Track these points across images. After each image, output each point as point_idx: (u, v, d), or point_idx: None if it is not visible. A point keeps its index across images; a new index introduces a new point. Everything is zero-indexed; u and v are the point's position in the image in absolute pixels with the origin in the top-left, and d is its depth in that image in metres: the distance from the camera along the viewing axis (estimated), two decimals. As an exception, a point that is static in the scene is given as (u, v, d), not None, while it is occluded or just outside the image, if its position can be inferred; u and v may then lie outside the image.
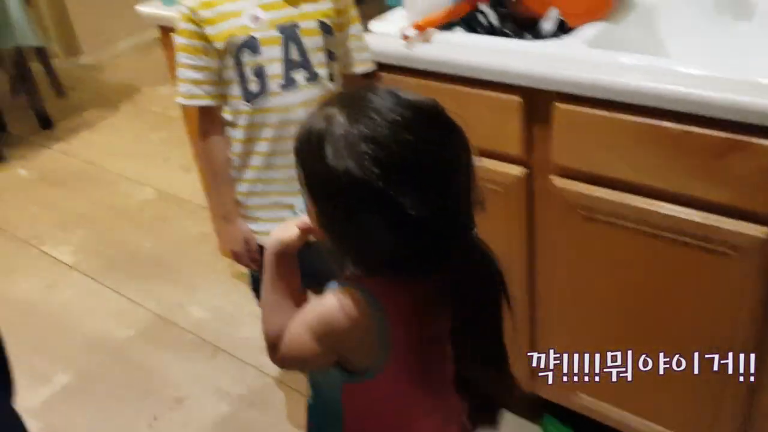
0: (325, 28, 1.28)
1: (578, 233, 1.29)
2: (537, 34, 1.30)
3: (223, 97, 1.31)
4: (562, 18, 1.29)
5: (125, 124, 3.45)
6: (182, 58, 1.29)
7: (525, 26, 1.33)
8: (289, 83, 1.27)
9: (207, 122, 1.35)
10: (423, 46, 1.34)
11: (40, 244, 2.55)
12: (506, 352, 0.91)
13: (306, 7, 1.27)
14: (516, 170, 1.33)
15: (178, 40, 1.29)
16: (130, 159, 3.07)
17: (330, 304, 0.84)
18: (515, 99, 1.25)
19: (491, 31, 1.34)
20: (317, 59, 1.28)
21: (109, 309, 2.19)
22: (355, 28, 1.36)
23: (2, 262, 2.48)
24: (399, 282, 0.83)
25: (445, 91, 1.32)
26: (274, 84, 1.27)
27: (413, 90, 0.82)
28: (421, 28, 1.33)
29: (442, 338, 0.87)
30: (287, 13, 1.26)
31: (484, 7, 1.32)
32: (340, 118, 0.77)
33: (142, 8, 1.78)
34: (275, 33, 1.25)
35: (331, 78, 1.32)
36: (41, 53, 3.51)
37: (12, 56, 3.25)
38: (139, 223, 2.63)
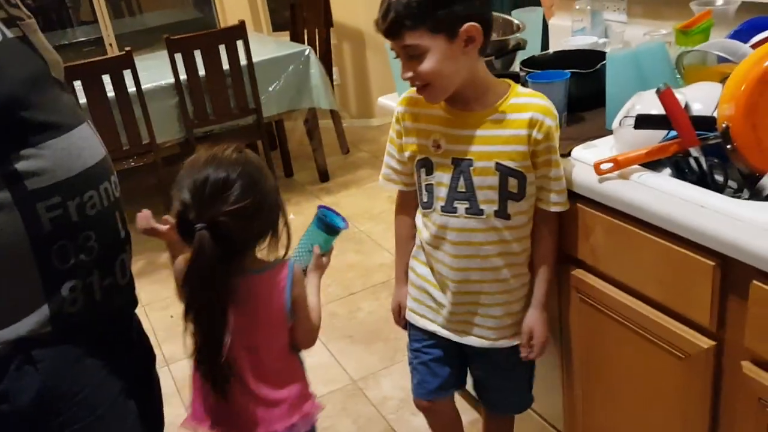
0: (505, 170, 1.26)
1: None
2: (756, 193, 1.10)
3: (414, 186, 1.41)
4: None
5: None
6: (388, 146, 1.44)
7: (743, 180, 1.13)
8: (449, 209, 1.31)
9: (400, 202, 1.50)
10: (617, 182, 1.22)
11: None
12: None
13: (486, 148, 1.26)
14: (703, 341, 1.14)
15: (390, 131, 1.43)
16: (381, 222, 3.28)
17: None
18: (710, 264, 1.07)
19: (701, 178, 1.17)
20: (485, 196, 1.28)
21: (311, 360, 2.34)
22: (553, 172, 1.28)
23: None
24: None
25: (634, 235, 1.19)
26: (438, 204, 1.32)
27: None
28: (617, 163, 1.21)
29: None
30: (465, 149, 1.27)
31: (696, 152, 1.16)
32: None
33: (383, 99, 1.92)
34: (448, 162, 1.29)
35: (508, 216, 1.30)
36: (334, 114, 3.97)
37: (305, 115, 3.72)
38: (366, 281, 2.78)
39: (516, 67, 1.74)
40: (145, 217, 1.32)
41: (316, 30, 4.00)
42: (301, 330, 1.29)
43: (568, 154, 1.35)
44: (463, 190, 1.28)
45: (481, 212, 1.29)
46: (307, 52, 3.56)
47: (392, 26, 1.16)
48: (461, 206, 1.30)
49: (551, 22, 2.16)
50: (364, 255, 3.04)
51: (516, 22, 1.79)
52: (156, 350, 1.30)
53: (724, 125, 1.12)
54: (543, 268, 1.37)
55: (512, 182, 1.27)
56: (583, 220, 1.31)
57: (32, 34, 1.04)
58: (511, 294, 1.38)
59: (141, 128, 3.12)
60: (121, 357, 1.10)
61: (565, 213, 1.33)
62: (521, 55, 1.76)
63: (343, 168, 4.00)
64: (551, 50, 1.87)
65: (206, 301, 1.13)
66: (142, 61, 3.27)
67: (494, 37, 1.82)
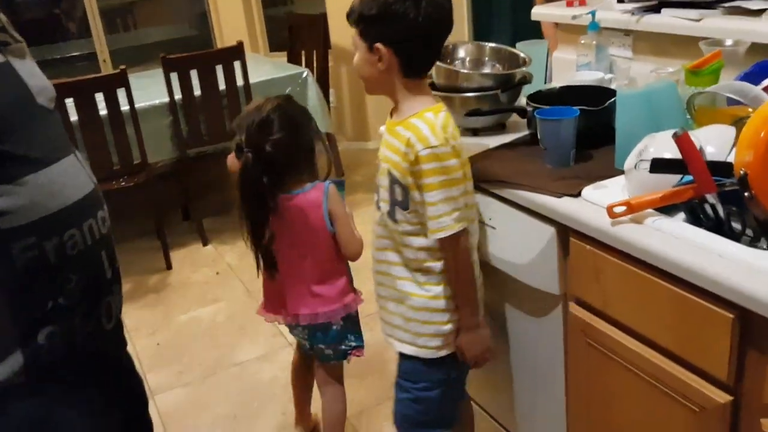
0: (392, 178, 1.37)
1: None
2: (774, 242, 1.07)
3: None
4: (812, 228, 1.04)
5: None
6: None
7: (760, 229, 1.10)
8: (376, 205, 1.47)
9: None
10: (630, 226, 1.18)
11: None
12: None
13: (386, 152, 1.40)
14: (720, 395, 1.09)
15: None
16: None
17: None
18: (728, 316, 1.04)
19: (718, 225, 1.14)
20: (382, 195, 1.43)
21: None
22: (425, 196, 1.33)
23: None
24: None
25: (647, 281, 1.15)
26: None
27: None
28: (631, 206, 1.18)
29: None
30: (382, 150, 1.43)
31: (713, 198, 1.13)
32: None
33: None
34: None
35: (396, 220, 1.40)
36: (330, 137, 3.93)
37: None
38: (360, 311, 2.72)
39: (522, 100, 1.71)
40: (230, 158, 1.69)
41: (314, 51, 3.98)
42: (343, 238, 1.73)
43: (578, 194, 1.32)
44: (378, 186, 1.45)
45: (379, 207, 1.44)
46: (304, 74, 3.53)
47: (348, 18, 1.36)
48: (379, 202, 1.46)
49: (555, 55, 2.14)
50: (357, 284, 2.98)
51: (522, 55, 1.77)
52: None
53: (741, 172, 1.09)
54: (455, 291, 1.42)
55: (398, 190, 1.37)
56: (593, 262, 1.27)
57: (18, 60, 0.98)
58: (406, 298, 1.43)
59: (133, 147, 3.07)
60: (108, 406, 1.04)
61: (574, 253, 1.29)
62: (526, 89, 1.73)
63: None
64: (557, 84, 1.85)
65: (249, 203, 1.63)
66: (136, 79, 3.23)
67: (500, 69, 1.80)
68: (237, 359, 2.51)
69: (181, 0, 5.49)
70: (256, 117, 1.61)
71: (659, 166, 1.15)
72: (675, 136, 1.11)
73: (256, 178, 1.60)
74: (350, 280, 1.80)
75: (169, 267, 3.22)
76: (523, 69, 1.71)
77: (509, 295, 1.59)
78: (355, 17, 1.32)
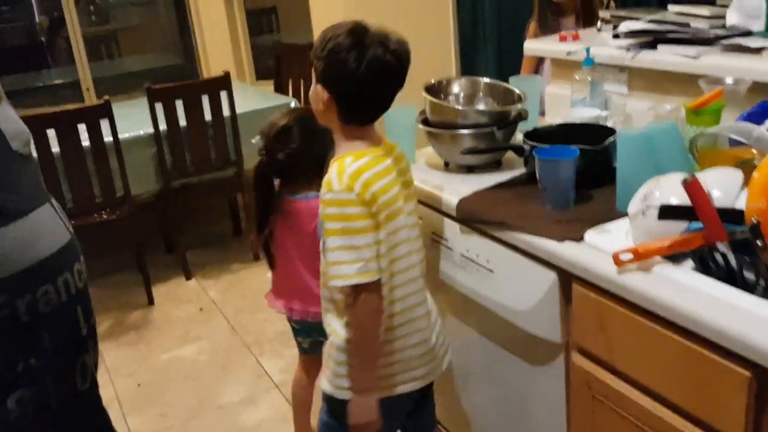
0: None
1: None
2: (791, 294, 1.02)
3: None
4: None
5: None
6: None
7: (775, 279, 1.05)
8: None
9: None
10: (637, 275, 1.13)
11: (260, 354, 2.69)
12: None
13: None
14: (734, 455, 1.03)
15: None
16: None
17: None
18: (743, 374, 0.98)
19: (729, 275, 1.09)
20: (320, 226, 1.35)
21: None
22: (328, 240, 1.28)
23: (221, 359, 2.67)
24: None
25: (656, 333, 1.09)
26: None
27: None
28: (638, 254, 1.13)
29: None
30: None
31: (723, 247, 1.08)
32: None
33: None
34: None
35: (325, 253, 1.32)
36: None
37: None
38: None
39: (518, 136, 1.67)
40: None
41: (301, 80, 3.94)
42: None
43: (581, 239, 1.27)
44: None
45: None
46: (291, 104, 3.48)
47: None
48: None
49: (548, 90, 2.11)
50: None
51: (517, 91, 1.73)
52: (119, 423, 1.16)
53: (754, 220, 1.04)
54: (348, 347, 1.35)
55: (321, 226, 1.32)
56: (598, 311, 1.22)
57: None
58: (330, 332, 1.40)
59: (116, 179, 2.99)
60: None
61: (578, 300, 1.24)
62: (522, 125, 1.69)
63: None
64: (553, 121, 1.81)
65: (256, 200, 1.79)
66: (120, 109, 3.16)
67: (494, 105, 1.76)
68: (220, 401, 2.41)
69: (167, 28, 5.45)
70: (278, 125, 1.76)
71: (668, 212, 1.10)
72: (684, 182, 1.07)
73: (265, 179, 1.78)
74: None
75: (150, 302, 3.12)
76: (518, 106, 1.67)
77: (507, 342, 1.53)
78: (311, 51, 1.32)
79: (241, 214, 3.77)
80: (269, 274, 1.91)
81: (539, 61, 2.71)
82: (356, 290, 1.27)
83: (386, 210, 1.29)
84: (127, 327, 2.95)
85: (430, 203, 1.62)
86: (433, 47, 3.90)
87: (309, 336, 1.87)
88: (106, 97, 2.90)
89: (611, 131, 1.54)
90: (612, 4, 2.88)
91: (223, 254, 3.55)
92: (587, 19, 2.73)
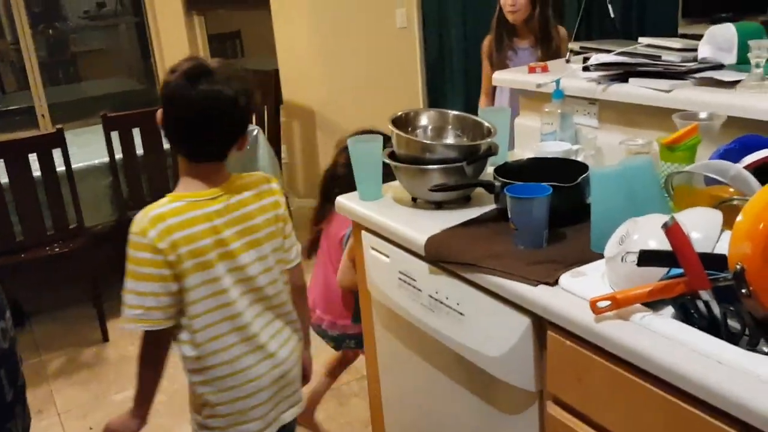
0: None
1: None
2: (778, 345, 0.97)
3: None
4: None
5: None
6: None
7: (760, 329, 1.00)
8: None
9: None
10: (615, 323, 1.07)
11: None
12: None
13: None
14: None
15: None
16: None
17: None
18: (729, 431, 0.92)
19: (712, 323, 1.03)
20: None
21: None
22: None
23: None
24: None
25: (636, 386, 1.03)
26: None
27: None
28: (616, 301, 1.06)
29: None
30: None
31: (707, 295, 1.02)
32: None
33: (342, 199, 1.76)
34: None
35: None
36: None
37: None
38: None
39: (489, 170, 1.61)
40: None
41: (266, 107, 3.86)
42: (342, 261, 2.02)
43: (555, 283, 1.21)
44: None
45: None
46: (255, 132, 3.40)
47: None
48: None
49: (518, 122, 2.07)
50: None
51: (486, 125, 1.67)
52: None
53: (738, 266, 0.99)
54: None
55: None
56: (574, 359, 1.15)
57: None
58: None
59: (69, 210, 2.86)
60: None
61: (552, 348, 1.17)
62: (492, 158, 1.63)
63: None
64: (524, 155, 1.76)
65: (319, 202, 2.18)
66: (77, 136, 3.06)
67: (464, 139, 1.70)
68: (178, 445, 2.28)
69: (127, 52, 5.34)
70: (346, 141, 1.81)
71: (648, 259, 1.04)
72: (665, 227, 1.01)
73: (325, 183, 2.15)
74: (350, 307, 2.06)
75: (105, 339, 2.97)
76: (488, 140, 1.61)
77: (478, 389, 1.45)
78: None
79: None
80: None
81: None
82: (144, 333, 1.34)
83: (192, 260, 1.28)
84: (80, 365, 2.79)
85: (397, 241, 1.54)
86: (399, 79, 3.87)
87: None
88: (59, 126, 2.78)
89: (584, 167, 1.49)
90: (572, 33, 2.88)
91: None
92: (544, 43, 2.74)
